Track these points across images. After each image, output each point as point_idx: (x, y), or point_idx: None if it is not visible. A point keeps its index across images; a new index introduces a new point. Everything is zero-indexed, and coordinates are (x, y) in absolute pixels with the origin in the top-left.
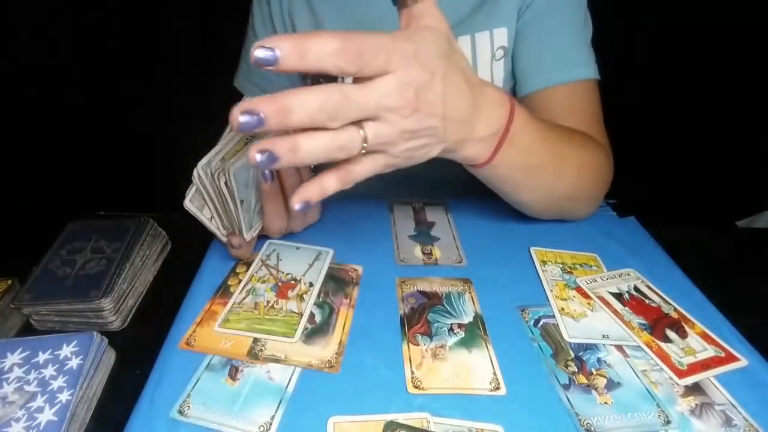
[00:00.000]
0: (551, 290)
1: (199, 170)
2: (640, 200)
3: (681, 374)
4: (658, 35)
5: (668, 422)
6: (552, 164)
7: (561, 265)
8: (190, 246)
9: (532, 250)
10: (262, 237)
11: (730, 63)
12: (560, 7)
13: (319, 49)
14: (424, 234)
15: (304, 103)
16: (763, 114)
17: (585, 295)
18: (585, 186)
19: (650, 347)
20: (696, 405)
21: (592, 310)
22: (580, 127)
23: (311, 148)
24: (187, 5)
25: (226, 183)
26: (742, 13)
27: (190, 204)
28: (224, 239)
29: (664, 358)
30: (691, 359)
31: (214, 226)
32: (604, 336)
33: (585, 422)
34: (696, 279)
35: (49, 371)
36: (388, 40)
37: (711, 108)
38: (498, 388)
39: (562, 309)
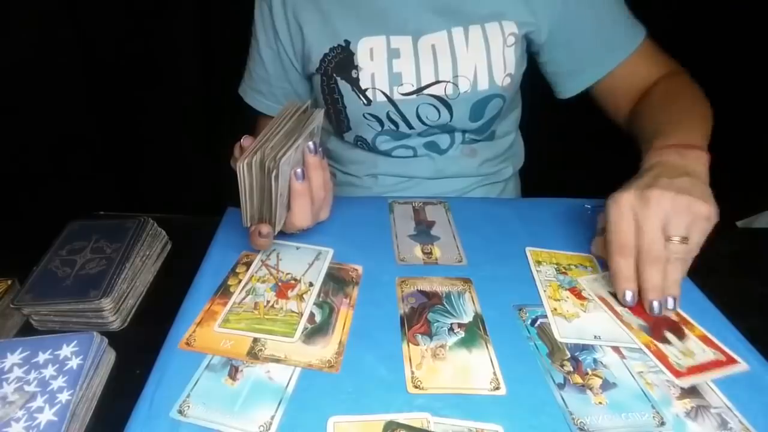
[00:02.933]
0: (544, 290)
1: (251, 158)
2: None
3: (679, 375)
4: (657, 37)
5: (662, 424)
6: (704, 121)
7: (556, 266)
8: (190, 246)
9: (527, 250)
10: None
11: (730, 63)
12: None
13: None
14: (423, 233)
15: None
16: (763, 114)
17: (578, 296)
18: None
19: (649, 348)
20: (692, 407)
21: (584, 311)
22: (659, 71)
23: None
24: (188, 7)
25: (276, 176)
26: (741, 12)
27: (245, 167)
28: (247, 224)
29: (663, 358)
30: (690, 361)
31: (244, 210)
32: (595, 337)
33: (578, 421)
34: (696, 279)
35: (49, 371)
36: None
37: (710, 107)
38: (498, 388)
39: (555, 309)
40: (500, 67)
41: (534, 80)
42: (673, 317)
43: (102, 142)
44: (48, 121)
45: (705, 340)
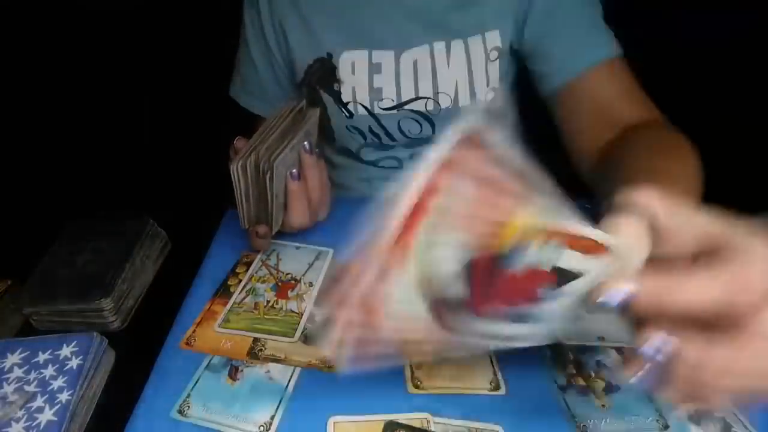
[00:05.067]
0: None
1: (246, 160)
2: None
3: None
4: (657, 35)
5: (666, 427)
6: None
7: None
8: (190, 246)
9: None
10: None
11: (730, 63)
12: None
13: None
14: None
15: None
16: (763, 114)
17: None
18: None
19: None
20: (695, 411)
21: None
22: (631, 105)
23: None
24: (188, 7)
25: (270, 176)
26: (742, 12)
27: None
28: (245, 226)
29: None
30: None
31: (240, 211)
32: (599, 338)
33: (581, 425)
34: None
35: (49, 371)
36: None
37: (711, 108)
38: (498, 388)
39: None
40: (482, 82)
41: (531, 82)
42: None
43: (102, 142)
44: (48, 120)
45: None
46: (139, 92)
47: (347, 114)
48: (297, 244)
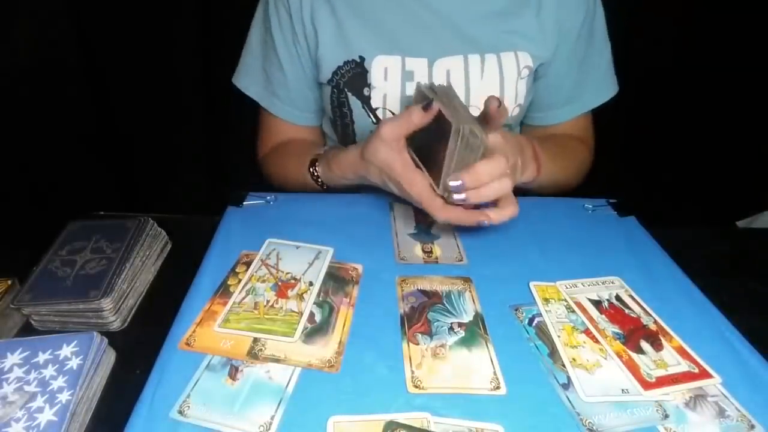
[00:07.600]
0: (559, 336)
1: (471, 126)
2: (640, 200)
3: (647, 386)
4: (657, 35)
5: (666, 416)
6: (563, 171)
7: (564, 303)
8: (190, 246)
9: (532, 285)
10: (265, 236)
11: (730, 62)
12: (597, 39)
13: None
14: (424, 232)
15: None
16: (762, 114)
17: (594, 339)
18: (579, 175)
19: (621, 357)
20: (690, 397)
21: (605, 358)
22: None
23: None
24: (189, 6)
25: (483, 149)
26: (742, 12)
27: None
28: (441, 193)
29: (634, 369)
30: (661, 372)
31: (444, 174)
32: (623, 391)
33: (587, 421)
34: (696, 279)
35: (49, 371)
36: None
37: (711, 108)
38: (498, 388)
39: (574, 359)
40: (512, 98)
41: None
42: (652, 327)
43: (102, 142)
44: (48, 120)
45: (681, 351)
46: (141, 92)
47: (374, 119)
48: (297, 244)
